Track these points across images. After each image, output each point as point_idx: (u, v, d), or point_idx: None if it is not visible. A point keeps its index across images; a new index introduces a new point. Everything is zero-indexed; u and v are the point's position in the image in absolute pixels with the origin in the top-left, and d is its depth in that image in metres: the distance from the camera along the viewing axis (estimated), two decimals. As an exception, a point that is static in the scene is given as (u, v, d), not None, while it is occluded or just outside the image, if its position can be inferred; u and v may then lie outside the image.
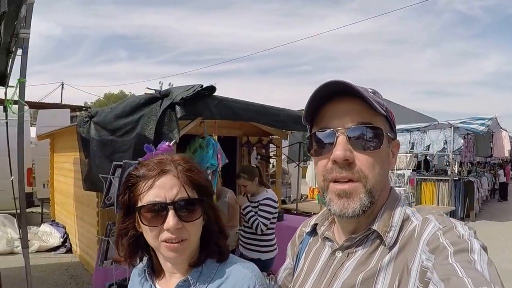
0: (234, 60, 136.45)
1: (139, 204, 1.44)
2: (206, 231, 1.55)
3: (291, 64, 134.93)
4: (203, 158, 4.81)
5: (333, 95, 1.25)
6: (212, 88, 4.35)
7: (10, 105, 3.90)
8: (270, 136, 8.79)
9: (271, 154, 9.30)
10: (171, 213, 1.40)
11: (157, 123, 4.06)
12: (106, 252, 3.95)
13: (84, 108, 22.90)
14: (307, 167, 17.48)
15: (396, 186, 7.78)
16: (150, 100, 4.41)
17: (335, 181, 1.24)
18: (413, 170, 17.17)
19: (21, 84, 3.57)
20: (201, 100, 4.27)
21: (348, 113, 1.24)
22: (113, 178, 3.63)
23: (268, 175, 9.25)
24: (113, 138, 4.84)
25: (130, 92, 55.08)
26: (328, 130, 1.26)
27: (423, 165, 19.19)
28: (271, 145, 9.14)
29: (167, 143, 3.06)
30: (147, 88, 4.48)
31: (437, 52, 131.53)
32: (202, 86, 4.20)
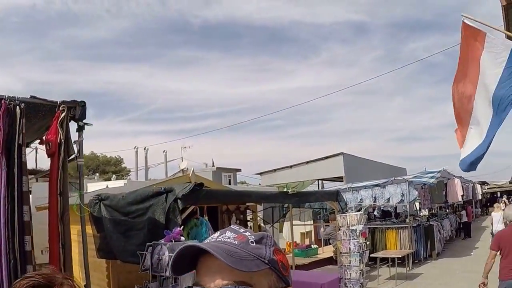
0: (208, 117, 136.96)
1: None
2: None
3: (264, 119, 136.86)
4: (197, 233, 6.73)
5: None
6: (201, 184, 6.25)
7: (76, 209, 5.58)
8: (247, 203, 10.22)
9: (248, 218, 11.09)
10: None
11: (166, 211, 5.86)
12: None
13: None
14: (283, 223, 19.05)
15: (352, 239, 9.56)
16: (157, 193, 6.22)
17: None
18: (382, 219, 19.25)
19: (81, 195, 5.34)
20: (194, 193, 6.12)
21: (220, 270, 1.18)
22: (146, 253, 5.38)
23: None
24: (127, 219, 6.52)
25: (102, 153, 56.02)
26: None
27: (393, 214, 21.11)
28: (247, 211, 10.92)
29: (178, 229, 4.93)
30: (155, 185, 6.28)
31: (405, 99, 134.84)
32: (195, 184, 6.08)
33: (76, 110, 5.12)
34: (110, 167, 57.39)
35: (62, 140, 4.70)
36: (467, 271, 13.91)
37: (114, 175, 39.69)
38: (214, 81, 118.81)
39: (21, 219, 4.30)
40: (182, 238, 5.26)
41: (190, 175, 9.18)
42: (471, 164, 6.49)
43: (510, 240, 7.18)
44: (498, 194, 46.88)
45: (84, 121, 5.23)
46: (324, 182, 34.50)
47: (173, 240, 5.09)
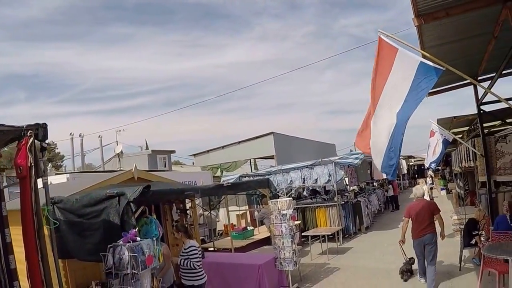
0: (141, 95, 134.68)
1: None
2: None
3: (197, 95, 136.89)
4: (148, 231, 7.76)
5: None
6: (148, 186, 7.22)
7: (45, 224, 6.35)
8: (185, 193, 11.19)
9: (188, 207, 12.09)
10: None
11: (121, 214, 6.81)
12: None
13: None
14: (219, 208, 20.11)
15: (283, 223, 10.74)
16: (110, 197, 7.12)
17: None
18: (312, 196, 20.64)
19: (49, 210, 6.17)
20: (143, 194, 7.09)
21: None
22: (108, 253, 6.30)
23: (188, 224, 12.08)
24: (81, 220, 7.34)
25: (35, 139, 54.49)
26: None
27: (323, 191, 22.45)
28: (187, 199, 11.91)
29: (134, 230, 5.99)
30: (108, 191, 7.19)
31: (336, 73, 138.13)
32: (144, 186, 7.07)
33: (39, 131, 5.89)
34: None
35: (32, 164, 5.53)
36: (394, 243, 15.34)
37: (49, 163, 39.50)
38: (146, 57, 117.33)
39: (4, 241, 5.03)
40: (138, 238, 6.25)
41: (133, 171, 10.13)
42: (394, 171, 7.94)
43: (416, 211, 10.23)
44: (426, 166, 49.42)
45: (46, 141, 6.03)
46: (257, 160, 35.66)
47: (131, 241, 6.10)
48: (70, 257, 7.71)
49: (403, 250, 11.16)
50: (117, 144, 35.72)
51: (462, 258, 11.59)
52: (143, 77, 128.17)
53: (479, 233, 11.04)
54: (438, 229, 10.37)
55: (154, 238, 7.25)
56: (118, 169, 27.33)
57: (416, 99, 6.96)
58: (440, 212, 10.44)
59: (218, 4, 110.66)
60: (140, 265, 5.85)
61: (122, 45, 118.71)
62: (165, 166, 35.56)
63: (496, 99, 10.36)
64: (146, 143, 43.68)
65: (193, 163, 41.42)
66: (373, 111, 7.81)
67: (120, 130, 36.74)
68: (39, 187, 5.81)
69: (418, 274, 10.93)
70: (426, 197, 15.41)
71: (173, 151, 39.21)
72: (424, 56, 7.47)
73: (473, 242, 11.09)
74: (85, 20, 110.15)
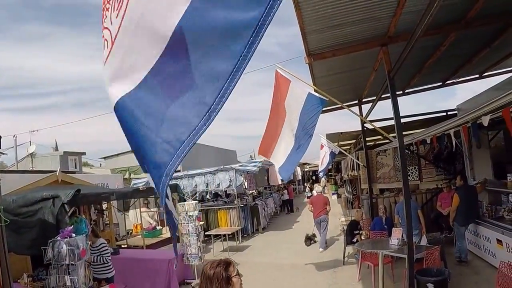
0: (53, 95, 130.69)
1: None
2: None
3: (105, 97, 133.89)
4: (78, 229, 8.70)
5: None
6: (79, 190, 8.21)
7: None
8: (110, 196, 11.28)
9: (104, 208, 13.02)
10: None
11: (56, 214, 7.75)
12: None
13: None
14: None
15: (189, 223, 11.85)
16: (45, 198, 8.03)
17: None
18: (214, 199, 21.82)
19: (0, 209, 6.95)
20: (75, 196, 8.07)
21: None
22: (48, 247, 7.20)
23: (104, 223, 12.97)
24: (17, 219, 8.04)
25: None
26: None
27: (225, 194, 23.64)
28: (103, 201, 12.82)
29: (70, 228, 7.07)
30: (44, 194, 8.10)
31: (238, 83, 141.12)
32: (76, 190, 8.07)
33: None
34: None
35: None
36: (288, 242, 17.10)
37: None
38: (60, 58, 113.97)
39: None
40: (73, 234, 7.23)
41: (57, 174, 10.96)
42: (288, 173, 9.42)
43: (315, 201, 15.38)
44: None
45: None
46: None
47: (68, 237, 7.07)
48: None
49: (314, 227, 16.05)
50: (31, 144, 35.14)
51: (346, 254, 13.10)
52: (56, 77, 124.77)
53: (360, 232, 12.66)
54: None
55: (84, 235, 8.20)
56: (31, 169, 27.22)
57: (311, 123, 8.40)
58: (330, 206, 15.50)
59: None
60: (76, 256, 6.85)
61: (37, 44, 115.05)
62: (75, 168, 35.32)
63: (377, 118, 12.31)
64: (56, 144, 43.09)
65: (100, 164, 41.56)
66: (280, 131, 9.15)
67: (34, 131, 36.11)
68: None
69: (319, 246, 15.23)
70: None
71: (84, 153, 39.09)
72: (314, 89, 8.88)
73: (355, 240, 12.56)
74: (1, 16, 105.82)
